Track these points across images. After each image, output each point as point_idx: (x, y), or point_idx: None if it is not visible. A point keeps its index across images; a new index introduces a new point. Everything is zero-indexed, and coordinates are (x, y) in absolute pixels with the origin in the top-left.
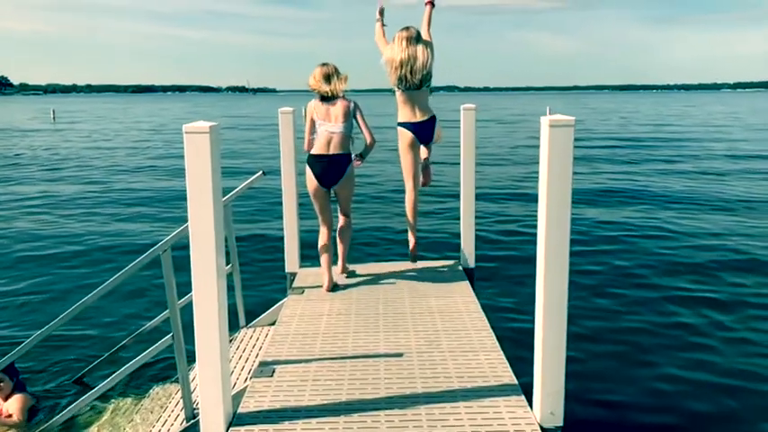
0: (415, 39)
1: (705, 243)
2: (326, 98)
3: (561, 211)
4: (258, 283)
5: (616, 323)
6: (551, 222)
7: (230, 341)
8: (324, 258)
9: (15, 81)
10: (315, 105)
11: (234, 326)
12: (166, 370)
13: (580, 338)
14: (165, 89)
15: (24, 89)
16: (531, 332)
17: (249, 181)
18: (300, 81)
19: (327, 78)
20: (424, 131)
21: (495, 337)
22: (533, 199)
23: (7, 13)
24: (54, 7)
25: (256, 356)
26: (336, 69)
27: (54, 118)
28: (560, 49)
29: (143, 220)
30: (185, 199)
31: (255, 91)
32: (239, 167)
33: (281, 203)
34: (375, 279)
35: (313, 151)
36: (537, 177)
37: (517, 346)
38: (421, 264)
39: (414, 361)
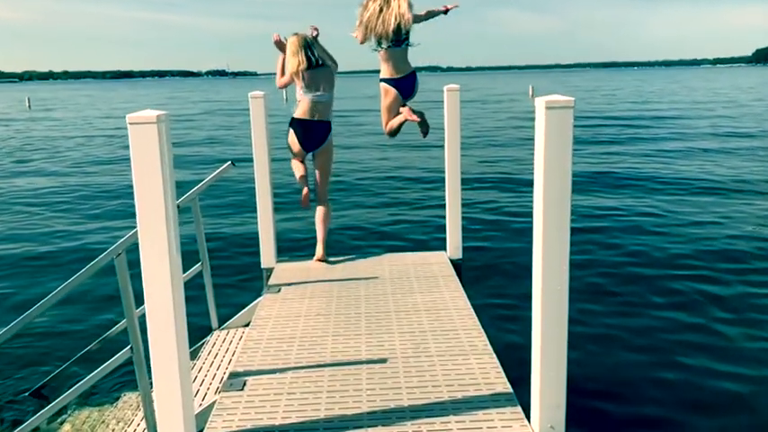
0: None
1: (701, 231)
2: (312, 65)
3: (560, 205)
4: (232, 281)
5: (619, 320)
6: (549, 218)
7: (202, 345)
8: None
9: None
10: (302, 67)
11: (206, 328)
12: (132, 380)
13: (585, 339)
14: (143, 74)
15: None
16: (525, 333)
17: (217, 172)
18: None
19: (307, 47)
20: (405, 86)
21: (486, 338)
22: (522, 184)
23: None
24: None
25: (229, 362)
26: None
27: (29, 106)
28: (542, 27)
29: (112, 218)
30: None
31: (235, 74)
32: (216, 155)
33: (254, 194)
34: (357, 273)
35: (298, 116)
36: (525, 161)
37: (511, 348)
38: (405, 256)
39: (399, 367)
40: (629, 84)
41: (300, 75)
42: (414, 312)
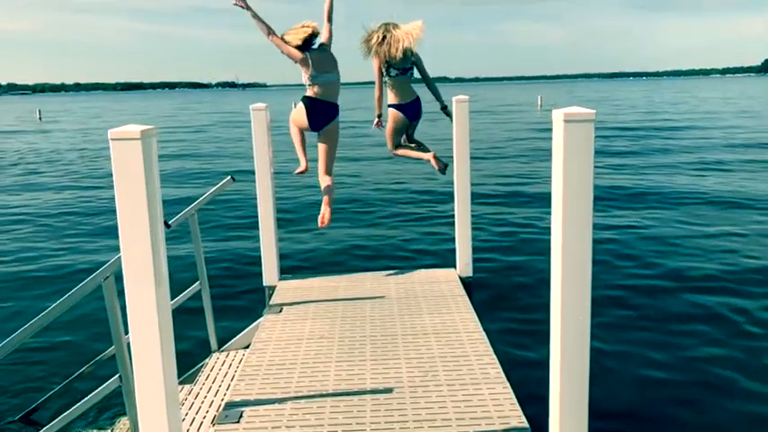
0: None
1: (721, 244)
2: (319, 48)
3: (580, 230)
4: (232, 301)
5: (639, 335)
6: (569, 243)
7: (200, 368)
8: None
9: (3, 81)
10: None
11: (204, 350)
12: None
13: (605, 355)
14: (153, 86)
15: (12, 89)
16: (541, 360)
17: (217, 187)
18: (290, 76)
19: (312, 36)
20: (411, 111)
21: (499, 366)
22: (534, 198)
23: None
24: (40, 6)
25: (227, 388)
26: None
27: (40, 118)
28: (549, 38)
29: (113, 236)
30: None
31: (245, 86)
32: (222, 168)
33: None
34: (362, 291)
35: (312, 95)
36: (535, 174)
37: (526, 377)
38: (412, 273)
39: (406, 398)
40: (638, 94)
41: (308, 60)
42: (422, 336)
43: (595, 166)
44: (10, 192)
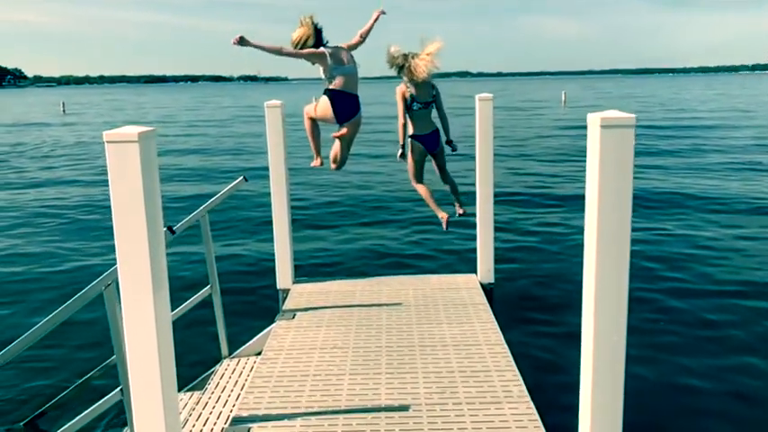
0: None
1: (752, 250)
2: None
3: (617, 244)
4: (244, 305)
5: (669, 355)
6: (605, 257)
7: (210, 374)
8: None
9: (29, 73)
10: (323, 49)
11: (215, 356)
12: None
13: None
14: (176, 79)
15: (38, 81)
16: (568, 377)
17: (229, 188)
18: (312, 70)
19: (319, 31)
20: (430, 141)
21: (522, 382)
22: (559, 200)
23: (21, 6)
24: (66, 0)
25: (236, 398)
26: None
27: (64, 110)
28: (573, 33)
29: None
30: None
31: (267, 80)
32: (238, 166)
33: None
34: (379, 297)
35: (334, 87)
36: (560, 175)
37: (551, 395)
38: (431, 278)
39: (423, 416)
40: (665, 90)
41: (326, 55)
42: (441, 347)
43: None
44: (32, 185)
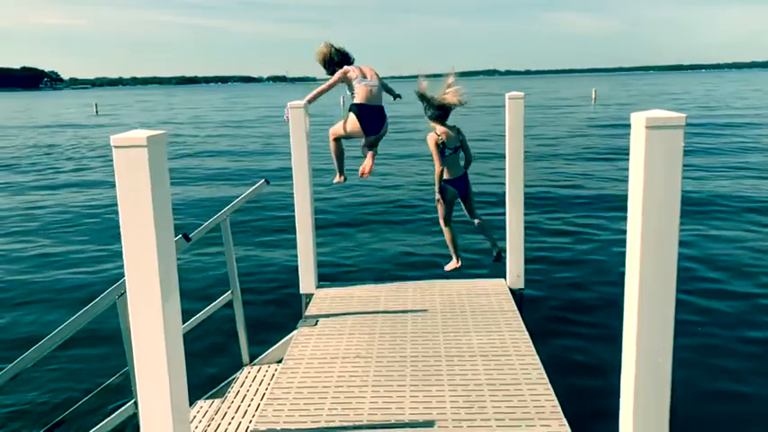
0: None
1: None
2: (350, 61)
3: (664, 253)
4: (267, 309)
5: (708, 358)
6: (649, 268)
7: (231, 381)
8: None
9: (66, 76)
10: (346, 67)
11: (236, 363)
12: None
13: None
14: (207, 80)
15: (74, 83)
16: (603, 394)
17: (251, 190)
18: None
19: (341, 52)
20: (461, 186)
21: (555, 397)
22: (592, 201)
23: (55, 10)
24: (100, 2)
25: (256, 409)
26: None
27: (96, 111)
28: (602, 29)
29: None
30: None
31: (294, 80)
32: (264, 168)
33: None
34: (404, 303)
35: (360, 101)
36: (592, 176)
37: (585, 411)
38: (458, 283)
39: None
40: (698, 87)
41: (349, 70)
42: (468, 358)
43: None
44: (64, 187)
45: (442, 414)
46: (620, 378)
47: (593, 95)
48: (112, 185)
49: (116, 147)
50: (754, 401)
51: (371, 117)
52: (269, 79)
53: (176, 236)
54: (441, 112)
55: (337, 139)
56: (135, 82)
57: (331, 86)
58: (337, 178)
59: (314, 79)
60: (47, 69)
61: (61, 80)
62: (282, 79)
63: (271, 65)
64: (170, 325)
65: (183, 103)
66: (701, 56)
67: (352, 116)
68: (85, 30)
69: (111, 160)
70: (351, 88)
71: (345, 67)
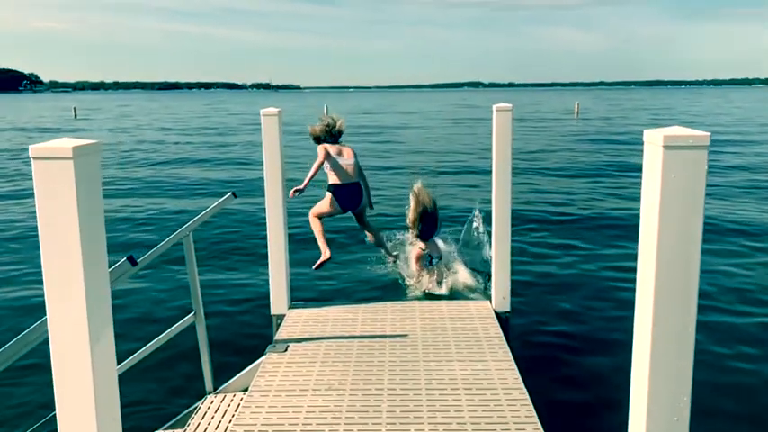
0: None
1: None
2: (336, 141)
3: (682, 290)
4: (233, 333)
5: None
6: (665, 307)
7: (192, 412)
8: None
9: (45, 79)
10: (326, 145)
11: (199, 392)
12: None
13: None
14: (190, 86)
15: (54, 87)
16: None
17: (215, 205)
18: (324, 78)
19: (330, 127)
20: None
21: None
22: (579, 222)
23: (38, 13)
24: (83, 6)
25: None
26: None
27: (75, 115)
28: (585, 44)
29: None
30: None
31: (278, 88)
32: (241, 179)
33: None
34: (382, 326)
35: (335, 182)
36: (579, 194)
37: None
38: (442, 305)
39: None
40: (679, 102)
41: (325, 151)
42: (450, 392)
43: (637, 186)
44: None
45: None
46: (619, 419)
47: (576, 109)
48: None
49: (35, 158)
50: None
51: (347, 195)
52: (253, 86)
53: (122, 258)
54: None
55: (318, 218)
56: (117, 86)
57: (318, 168)
58: (323, 257)
59: (298, 87)
60: (26, 72)
61: (41, 83)
62: (267, 87)
63: (255, 72)
64: (101, 370)
65: (164, 109)
66: (681, 72)
67: (328, 195)
68: (68, 33)
69: None
70: (329, 164)
71: (325, 146)
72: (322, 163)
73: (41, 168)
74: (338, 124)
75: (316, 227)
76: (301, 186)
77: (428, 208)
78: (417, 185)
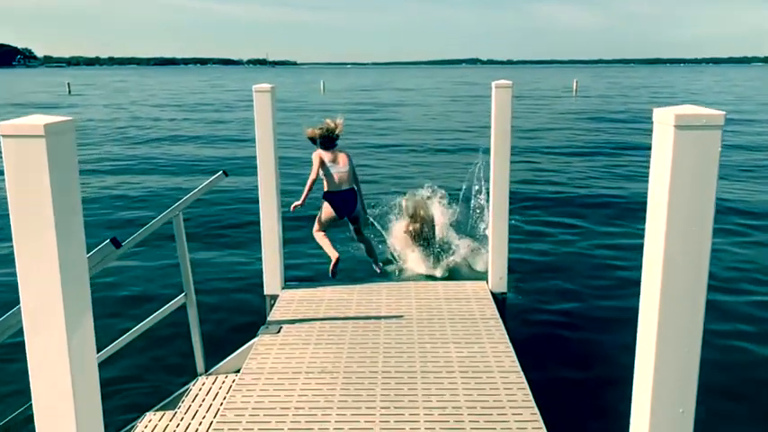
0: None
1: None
2: (330, 147)
3: (692, 276)
4: (226, 313)
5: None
6: (672, 295)
7: (183, 394)
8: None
9: (39, 53)
10: (321, 152)
11: (190, 373)
12: None
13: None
14: (186, 62)
15: (48, 62)
16: (597, 417)
17: (206, 184)
18: (322, 54)
19: (330, 132)
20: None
21: (542, 424)
22: (576, 201)
23: None
24: None
25: (208, 427)
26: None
27: (69, 91)
28: (584, 22)
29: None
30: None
31: (275, 64)
32: (235, 156)
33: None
34: (377, 308)
35: (329, 189)
36: (577, 174)
37: None
38: (438, 285)
39: None
40: (678, 80)
41: (319, 161)
42: (446, 374)
43: (636, 165)
44: None
45: None
46: (618, 401)
47: (575, 87)
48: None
49: (5, 137)
50: None
51: (341, 201)
52: (249, 62)
53: (106, 240)
54: None
55: (323, 230)
56: (112, 62)
57: (314, 179)
58: (333, 260)
59: (295, 63)
60: (20, 46)
61: (35, 58)
62: (263, 63)
63: (251, 48)
64: (79, 358)
65: (159, 85)
66: (680, 51)
67: (325, 204)
68: (62, 7)
69: (79, 144)
70: (323, 171)
71: (320, 154)
72: (317, 174)
73: (12, 147)
74: (337, 129)
75: (321, 240)
76: (299, 202)
77: (426, 225)
78: (414, 200)
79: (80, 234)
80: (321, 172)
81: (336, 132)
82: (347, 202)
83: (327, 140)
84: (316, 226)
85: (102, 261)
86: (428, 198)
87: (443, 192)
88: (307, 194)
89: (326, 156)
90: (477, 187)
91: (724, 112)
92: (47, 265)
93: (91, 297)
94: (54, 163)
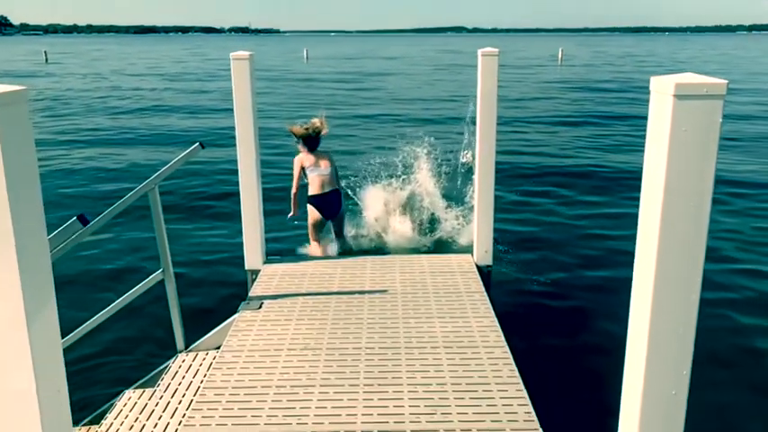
0: None
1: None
2: (312, 150)
3: (689, 253)
4: (206, 289)
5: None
6: (670, 257)
7: (162, 371)
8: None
9: (16, 21)
10: (302, 158)
11: (169, 350)
12: None
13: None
14: (167, 30)
15: (25, 29)
16: (584, 394)
17: (182, 156)
18: (305, 22)
19: (315, 132)
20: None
21: (529, 402)
22: (561, 173)
23: None
24: None
25: (188, 406)
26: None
27: (46, 59)
28: None
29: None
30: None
31: (257, 32)
32: (219, 127)
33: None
34: (361, 282)
35: (312, 193)
36: (562, 145)
37: (562, 418)
38: (423, 258)
39: None
40: (663, 49)
41: (300, 168)
42: (430, 350)
43: (622, 135)
44: None
45: (399, 423)
46: (605, 373)
47: (560, 55)
48: (50, 145)
49: None
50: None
51: (326, 203)
52: (231, 30)
53: (72, 218)
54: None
55: (316, 239)
56: (90, 30)
57: (296, 189)
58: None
59: (278, 31)
60: None
61: (11, 25)
62: (245, 30)
63: (233, 15)
64: (42, 346)
65: (139, 54)
66: (665, 19)
67: (310, 208)
68: None
69: (57, 114)
70: (305, 175)
71: (301, 158)
72: (299, 180)
73: None
74: (323, 131)
75: (314, 253)
76: (292, 213)
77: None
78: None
79: (38, 213)
80: (305, 176)
81: (323, 133)
82: (332, 204)
83: (311, 140)
84: (310, 234)
85: (70, 240)
86: (427, 154)
87: (437, 152)
88: (295, 203)
89: (308, 160)
90: (463, 160)
91: (726, 81)
92: (1, 248)
93: (54, 282)
94: (5, 136)
